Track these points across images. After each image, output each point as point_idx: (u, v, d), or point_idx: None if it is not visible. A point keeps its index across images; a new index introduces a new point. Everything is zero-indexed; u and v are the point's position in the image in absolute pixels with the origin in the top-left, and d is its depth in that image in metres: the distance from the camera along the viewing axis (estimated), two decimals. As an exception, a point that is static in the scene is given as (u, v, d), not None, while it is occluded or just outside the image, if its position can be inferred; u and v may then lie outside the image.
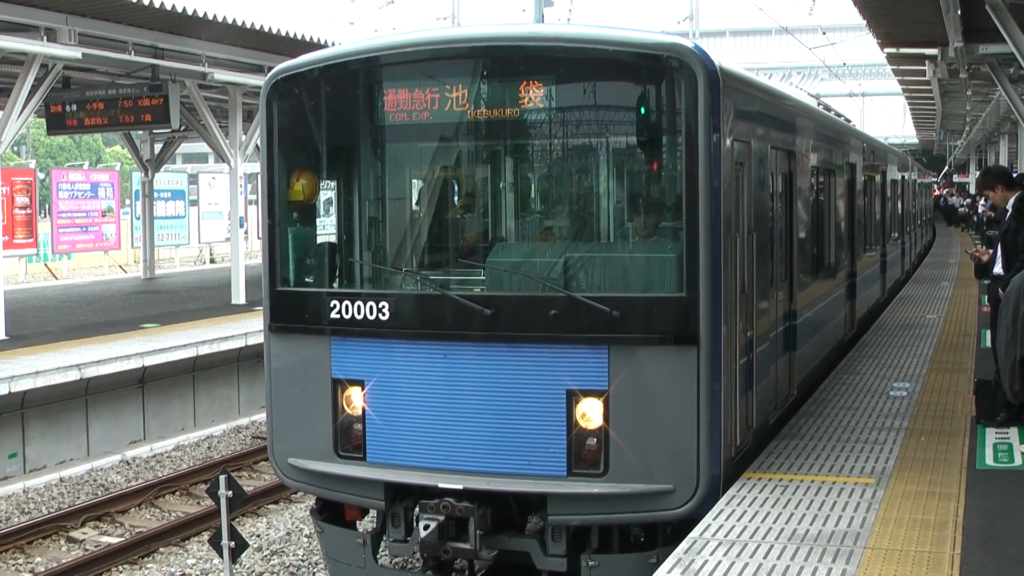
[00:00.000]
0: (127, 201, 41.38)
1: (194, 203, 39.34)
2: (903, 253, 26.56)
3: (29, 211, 32.47)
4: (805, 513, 7.97)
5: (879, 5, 17.47)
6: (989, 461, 9.47)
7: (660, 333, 8.27)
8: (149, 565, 12.48)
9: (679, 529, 8.22)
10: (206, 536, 12.72)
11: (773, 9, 48.26)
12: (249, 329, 19.80)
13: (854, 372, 13.63)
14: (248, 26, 20.64)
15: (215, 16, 19.80)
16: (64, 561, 12.42)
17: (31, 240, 33.02)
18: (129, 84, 22.92)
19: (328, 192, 9.87)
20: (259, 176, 9.81)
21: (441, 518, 8.43)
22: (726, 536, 7.50)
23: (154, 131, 29.51)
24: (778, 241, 10.68)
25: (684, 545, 7.36)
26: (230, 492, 11.03)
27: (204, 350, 18.92)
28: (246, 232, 39.02)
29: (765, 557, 7.07)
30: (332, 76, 9.31)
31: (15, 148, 74.07)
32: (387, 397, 8.89)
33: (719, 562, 7.00)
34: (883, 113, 73.42)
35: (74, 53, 18.94)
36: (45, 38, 18.58)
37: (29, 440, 16.11)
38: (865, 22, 19.33)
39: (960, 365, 14.06)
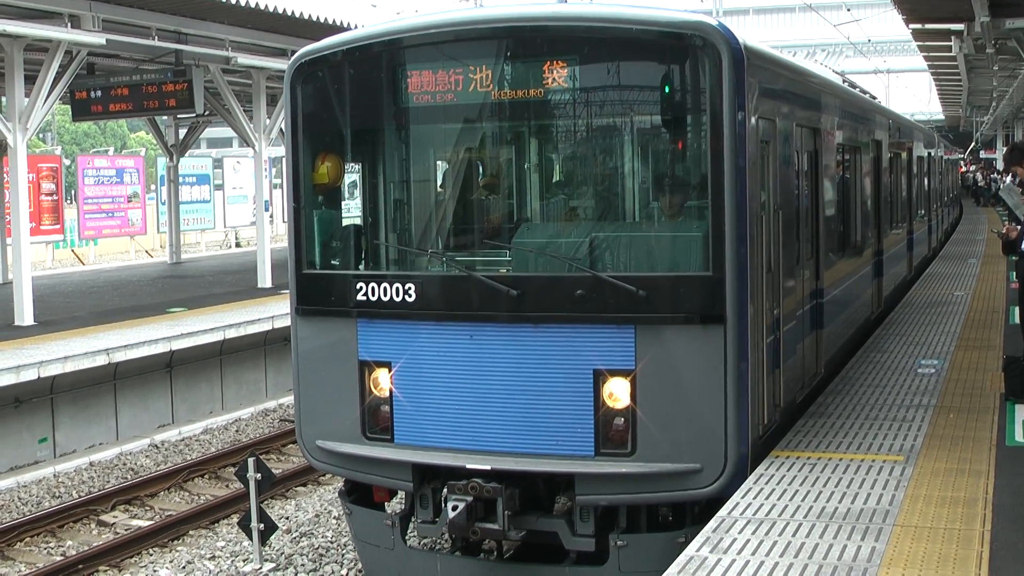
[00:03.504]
0: (152, 186, 41.57)
1: (219, 187, 39.49)
2: (930, 230, 26.40)
3: (55, 197, 32.66)
4: (834, 491, 7.95)
5: (904, -20, 17.38)
6: (1019, 438, 9.42)
7: (687, 312, 8.26)
8: (179, 548, 12.55)
9: (707, 508, 8.22)
10: (235, 519, 12.80)
11: (797, -14, 47.94)
12: (276, 312, 19.87)
13: (881, 350, 13.57)
14: (271, 10, 20.64)
15: (238, 0, 19.80)
16: (95, 544, 12.51)
17: (58, 226, 33.22)
18: (153, 69, 22.97)
19: (353, 175, 9.89)
20: (284, 160, 9.82)
21: (469, 499, 8.44)
22: (754, 514, 7.49)
23: (178, 116, 29.59)
24: (804, 219, 10.64)
25: (712, 524, 7.36)
26: (259, 475, 11.12)
27: (231, 334, 18.98)
28: (271, 216, 39.12)
29: (794, 535, 7.06)
30: (356, 59, 9.31)
31: (40, 135, 74.42)
32: (414, 379, 8.91)
33: (747, 540, 7.00)
34: (909, 90, 72.74)
35: (98, 39, 18.99)
36: (69, 24, 18.62)
37: (59, 425, 16.22)
38: (890, -2, 19.22)
39: (988, 342, 13.98)
